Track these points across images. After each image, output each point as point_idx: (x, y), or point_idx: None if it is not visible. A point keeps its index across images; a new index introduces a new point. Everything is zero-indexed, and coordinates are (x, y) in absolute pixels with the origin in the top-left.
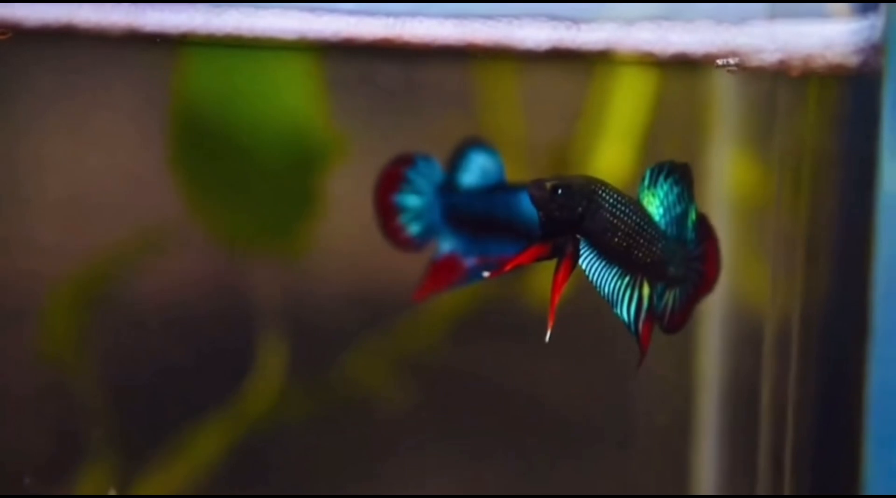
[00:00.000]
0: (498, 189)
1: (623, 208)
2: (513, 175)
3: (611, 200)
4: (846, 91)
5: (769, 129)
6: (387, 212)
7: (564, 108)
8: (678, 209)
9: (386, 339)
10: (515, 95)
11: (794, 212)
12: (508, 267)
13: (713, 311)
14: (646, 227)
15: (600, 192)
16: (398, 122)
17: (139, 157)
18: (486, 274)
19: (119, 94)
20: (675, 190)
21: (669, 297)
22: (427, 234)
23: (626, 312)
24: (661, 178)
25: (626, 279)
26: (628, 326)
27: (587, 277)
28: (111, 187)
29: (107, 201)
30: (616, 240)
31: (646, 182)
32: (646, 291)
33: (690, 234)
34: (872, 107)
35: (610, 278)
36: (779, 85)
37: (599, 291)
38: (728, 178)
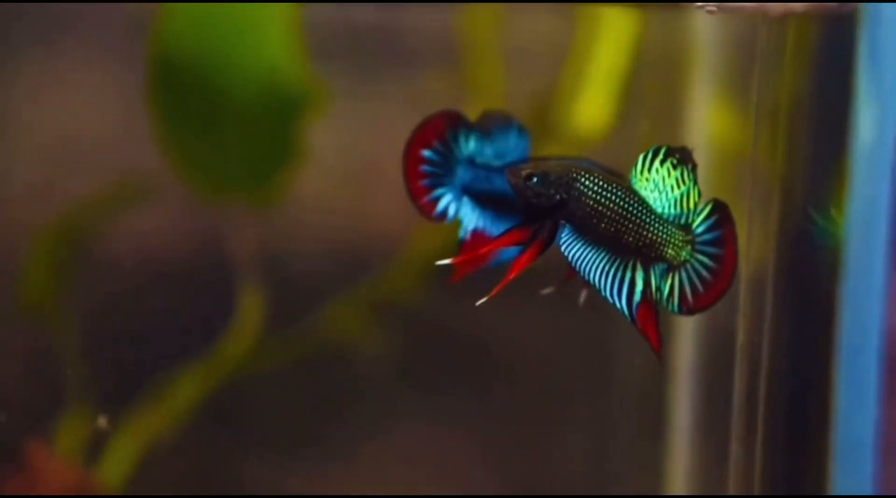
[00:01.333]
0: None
1: (608, 194)
2: None
3: (594, 187)
4: (824, 33)
5: (748, 71)
6: (414, 166)
7: (547, 51)
8: (677, 193)
9: (365, 288)
10: (497, 38)
11: (771, 156)
12: (483, 251)
13: None
14: (635, 211)
15: (582, 179)
16: (378, 67)
17: (117, 107)
18: (447, 261)
19: (97, 43)
20: (674, 173)
21: (674, 278)
22: (444, 202)
23: (615, 295)
24: (657, 163)
25: (616, 263)
26: (621, 310)
27: (573, 266)
28: (89, 138)
29: (85, 151)
30: (602, 226)
31: (638, 166)
32: (639, 274)
33: (694, 218)
34: (849, 49)
35: (598, 265)
36: (758, 26)
37: (587, 279)
38: (707, 121)
